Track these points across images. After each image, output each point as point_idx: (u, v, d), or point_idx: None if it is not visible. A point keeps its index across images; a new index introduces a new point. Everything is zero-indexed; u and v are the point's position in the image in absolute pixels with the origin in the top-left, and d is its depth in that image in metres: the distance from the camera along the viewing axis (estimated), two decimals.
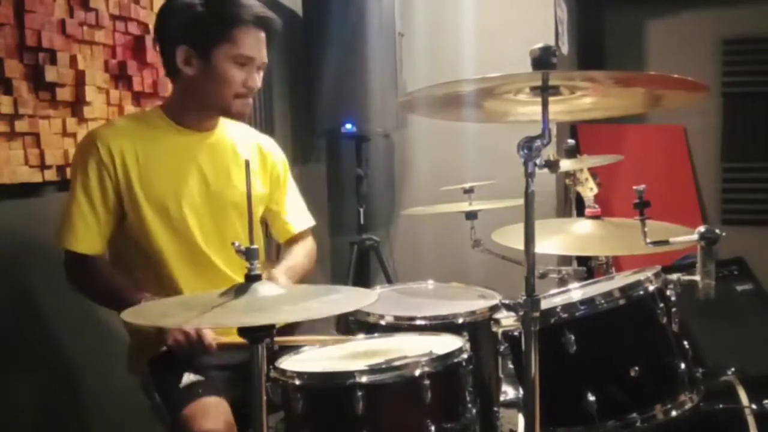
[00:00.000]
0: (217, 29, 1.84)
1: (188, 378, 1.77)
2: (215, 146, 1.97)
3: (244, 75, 1.87)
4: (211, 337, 1.74)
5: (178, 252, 1.89)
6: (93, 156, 1.83)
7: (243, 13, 1.86)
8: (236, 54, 1.85)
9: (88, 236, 1.83)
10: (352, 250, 3.34)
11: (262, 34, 1.89)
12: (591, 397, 1.61)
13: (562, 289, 2.00)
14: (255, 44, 1.88)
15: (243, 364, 1.74)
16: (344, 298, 1.45)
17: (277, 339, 1.69)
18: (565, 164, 2.26)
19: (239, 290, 1.34)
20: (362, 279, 3.38)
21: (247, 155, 1.97)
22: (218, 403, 1.73)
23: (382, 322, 1.90)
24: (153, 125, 1.91)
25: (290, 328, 1.90)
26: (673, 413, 1.65)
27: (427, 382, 1.51)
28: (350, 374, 1.50)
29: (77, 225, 1.82)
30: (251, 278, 1.35)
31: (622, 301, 1.67)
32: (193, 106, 1.92)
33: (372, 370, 1.52)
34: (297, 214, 2.17)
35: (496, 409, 1.95)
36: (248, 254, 1.35)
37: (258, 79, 1.91)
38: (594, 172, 2.38)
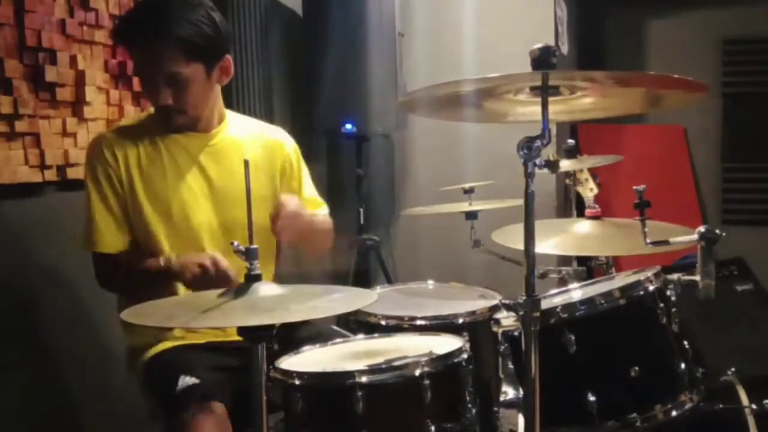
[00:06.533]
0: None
1: (184, 381, 1.75)
2: (218, 146, 1.96)
3: (152, 92, 1.83)
4: (227, 263, 1.73)
5: (180, 253, 1.88)
6: (100, 161, 1.86)
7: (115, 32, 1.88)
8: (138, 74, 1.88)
9: (111, 236, 1.86)
10: (352, 250, 3.34)
11: (146, 48, 1.78)
12: (591, 397, 1.61)
13: (562, 289, 2.00)
14: (139, 62, 1.84)
15: (240, 365, 1.74)
16: (346, 297, 1.44)
17: None
18: (565, 164, 2.25)
19: (239, 291, 1.33)
20: (362, 279, 3.37)
21: (252, 152, 1.96)
22: (215, 408, 1.70)
23: (383, 322, 1.90)
24: (155, 128, 1.91)
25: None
26: (673, 413, 1.64)
27: (427, 382, 1.51)
28: (350, 374, 1.50)
29: (101, 228, 1.84)
30: (251, 278, 1.35)
31: (622, 301, 1.67)
32: None
33: (372, 370, 1.52)
34: (312, 204, 2.13)
35: (496, 409, 1.95)
36: (248, 254, 1.35)
37: (165, 95, 1.81)
38: (594, 172, 2.37)
